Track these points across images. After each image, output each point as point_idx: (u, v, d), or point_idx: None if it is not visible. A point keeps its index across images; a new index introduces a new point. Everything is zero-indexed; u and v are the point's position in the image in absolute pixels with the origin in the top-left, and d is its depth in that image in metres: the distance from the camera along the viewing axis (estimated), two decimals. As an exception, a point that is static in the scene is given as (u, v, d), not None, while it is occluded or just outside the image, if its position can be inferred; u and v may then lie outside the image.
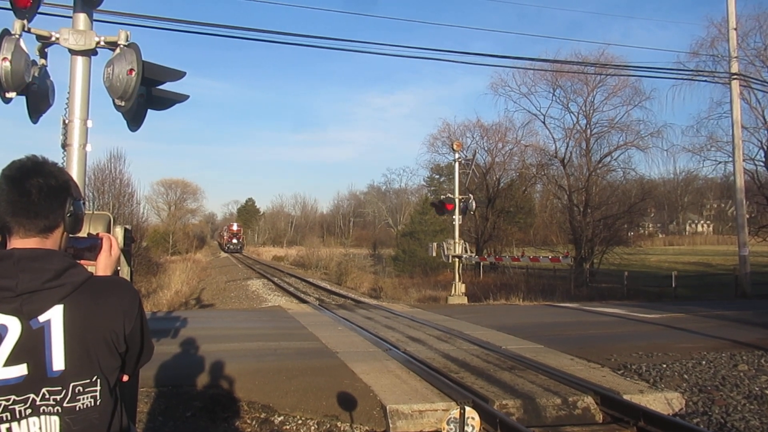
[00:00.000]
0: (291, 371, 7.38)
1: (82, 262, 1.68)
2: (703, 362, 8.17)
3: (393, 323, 12.57)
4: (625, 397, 6.47)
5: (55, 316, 1.48)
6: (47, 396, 1.46)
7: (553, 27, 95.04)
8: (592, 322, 12.77)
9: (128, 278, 3.38)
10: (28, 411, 1.45)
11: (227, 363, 7.50)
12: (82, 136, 5.03)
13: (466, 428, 3.77)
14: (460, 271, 19.12)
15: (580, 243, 28.16)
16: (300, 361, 8.04)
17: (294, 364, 7.76)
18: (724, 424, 5.90)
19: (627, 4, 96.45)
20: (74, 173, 4.83)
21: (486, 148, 34.00)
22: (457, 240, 18.98)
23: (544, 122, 31.37)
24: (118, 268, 1.88)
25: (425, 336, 10.63)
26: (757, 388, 6.96)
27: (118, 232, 3.39)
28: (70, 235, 1.68)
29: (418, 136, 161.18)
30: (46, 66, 5.01)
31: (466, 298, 18.39)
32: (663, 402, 6.55)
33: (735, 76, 20.07)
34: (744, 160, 21.45)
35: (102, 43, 5.00)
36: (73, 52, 5.00)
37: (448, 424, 3.80)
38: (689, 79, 24.04)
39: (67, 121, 5.02)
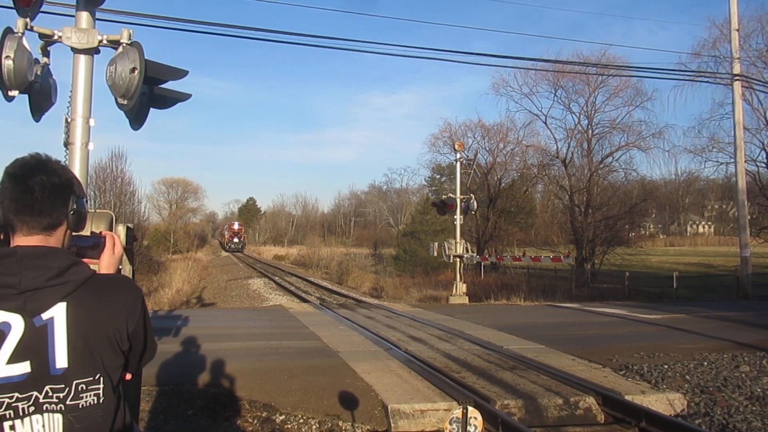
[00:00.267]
0: (292, 370, 7.37)
1: (86, 260, 1.67)
2: (705, 363, 8.16)
3: (394, 323, 12.56)
4: (627, 397, 6.47)
5: (58, 314, 1.48)
6: (50, 394, 1.46)
7: (554, 27, 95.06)
8: (594, 322, 12.75)
9: (131, 277, 3.37)
10: (31, 409, 1.45)
11: (228, 362, 7.50)
12: (84, 134, 5.03)
13: (468, 428, 3.77)
14: (461, 271, 19.10)
15: (581, 243, 28.14)
16: (301, 360, 8.04)
17: (295, 364, 7.76)
18: (726, 425, 5.88)
19: (628, 5, 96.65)
20: (77, 172, 4.83)
21: (487, 148, 34.05)
22: (458, 240, 18.97)
23: (545, 122, 31.42)
24: (121, 266, 1.88)
25: (426, 336, 10.62)
26: (759, 390, 6.94)
27: (121, 230, 3.38)
28: (73, 234, 1.68)
29: (419, 136, 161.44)
30: (49, 64, 5.00)
31: (467, 297, 18.37)
32: (665, 403, 6.54)
33: (737, 77, 20.04)
34: (746, 162, 21.43)
35: (104, 42, 4.99)
36: (76, 51, 5.00)
37: (450, 423, 3.80)
38: (691, 80, 24.06)
39: (69, 120, 5.02)
